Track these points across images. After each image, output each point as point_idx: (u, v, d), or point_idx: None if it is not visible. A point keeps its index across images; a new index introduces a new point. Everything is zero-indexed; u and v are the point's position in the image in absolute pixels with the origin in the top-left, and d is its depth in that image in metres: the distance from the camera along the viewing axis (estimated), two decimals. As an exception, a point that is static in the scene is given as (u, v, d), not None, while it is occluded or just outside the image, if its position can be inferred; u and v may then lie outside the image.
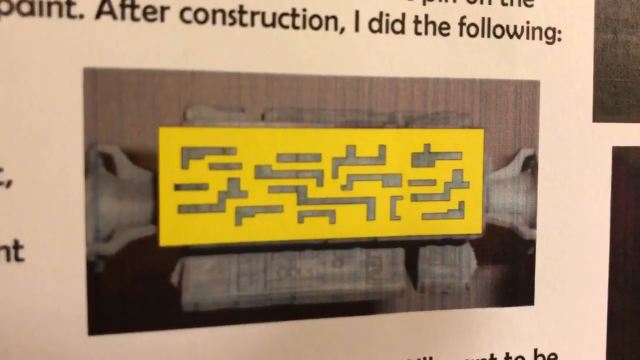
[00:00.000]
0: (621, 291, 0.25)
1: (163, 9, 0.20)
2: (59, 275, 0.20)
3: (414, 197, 0.23)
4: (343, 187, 0.22)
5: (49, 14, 0.19)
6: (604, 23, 0.24)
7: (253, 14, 0.21)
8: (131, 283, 0.21)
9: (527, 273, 0.24)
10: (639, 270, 0.25)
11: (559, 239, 0.24)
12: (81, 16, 0.19)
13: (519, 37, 0.23)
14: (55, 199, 0.20)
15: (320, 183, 0.22)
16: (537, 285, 0.24)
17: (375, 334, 0.23)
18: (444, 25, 0.23)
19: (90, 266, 0.20)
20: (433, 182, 0.23)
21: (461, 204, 0.23)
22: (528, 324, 0.24)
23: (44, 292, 0.20)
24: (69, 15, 0.19)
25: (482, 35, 0.23)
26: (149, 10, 0.20)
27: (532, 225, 0.24)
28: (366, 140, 0.22)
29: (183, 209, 0.21)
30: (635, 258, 0.25)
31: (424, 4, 0.22)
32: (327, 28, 0.21)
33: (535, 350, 0.24)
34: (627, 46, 0.25)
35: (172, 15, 0.20)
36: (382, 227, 0.23)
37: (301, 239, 0.22)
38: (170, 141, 0.20)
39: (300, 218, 0.22)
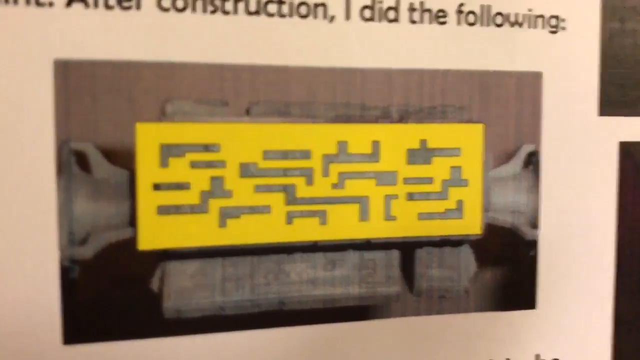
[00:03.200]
0: (628, 294, 0.24)
1: (139, -4, 0.19)
2: (32, 282, 0.19)
3: (410, 196, 0.21)
4: (334, 186, 0.21)
5: (16, 2, 0.18)
6: (610, 11, 0.23)
7: (236, 1, 0.19)
8: (108, 289, 0.19)
9: (528, 275, 0.23)
10: (647, 272, 0.24)
11: (562, 239, 0.23)
12: (50, 4, 0.18)
13: (520, 25, 0.22)
14: (26, 201, 0.19)
15: (310, 182, 0.21)
16: (540, 288, 0.23)
17: (370, 340, 0.22)
18: (441, 14, 0.21)
19: (65, 272, 0.19)
20: (430, 180, 0.22)
21: (459, 203, 0.22)
22: (530, 328, 0.23)
23: (15, 300, 0.19)
24: (37, 3, 0.18)
25: (481, 24, 0.22)
26: (124, -3, 0.19)
27: (534, 225, 0.23)
28: (359, 136, 0.21)
29: (163, 210, 0.19)
30: (643, 259, 0.24)
31: (420, -10, 0.21)
32: (315, 16, 0.20)
33: (538, 355, 0.23)
34: (635, 35, 0.23)
35: (148, 3, 0.19)
36: (376, 228, 0.21)
37: (290, 241, 0.21)
38: (149, 138, 0.19)
39: (289, 219, 0.21)
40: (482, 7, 0.22)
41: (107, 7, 0.19)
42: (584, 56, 0.23)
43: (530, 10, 0.22)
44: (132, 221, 0.19)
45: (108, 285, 0.19)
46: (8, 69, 0.18)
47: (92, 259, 0.19)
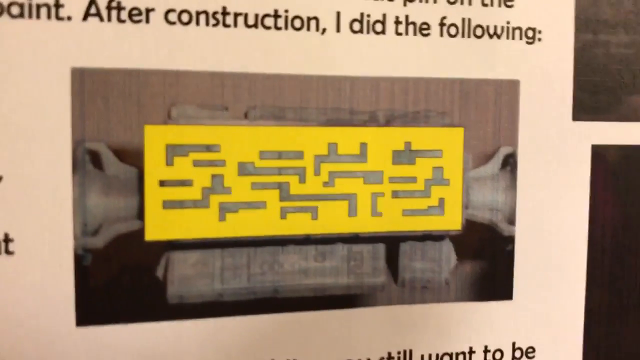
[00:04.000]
0: (599, 287, 0.25)
1: (148, 10, 0.21)
2: (48, 268, 0.21)
3: (395, 194, 0.23)
4: (325, 184, 0.23)
5: (38, 16, 0.20)
6: (584, 23, 0.25)
7: (236, 15, 0.21)
8: (118, 276, 0.21)
9: (505, 268, 0.24)
10: (617, 267, 0.25)
11: (537, 235, 0.25)
12: (69, 18, 0.20)
13: (499, 37, 0.24)
14: (44, 195, 0.20)
15: (302, 180, 0.22)
16: (516, 280, 0.25)
17: (357, 327, 0.23)
18: (425, 26, 0.23)
19: (78, 259, 0.21)
20: (413, 179, 0.23)
21: (441, 200, 0.24)
22: (506, 318, 0.25)
23: (33, 284, 0.21)
24: (57, 17, 0.20)
25: (463, 36, 0.24)
26: (134, 12, 0.21)
27: (511, 222, 0.24)
28: (348, 138, 0.23)
29: (168, 204, 0.21)
30: (613, 254, 0.25)
31: (405, 4, 0.23)
32: (308, 29, 0.22)
33: (514, 343, 0.25)
34: (607, 46, 0.25)
35: (157, 17, 0.21)
36: (364, 223, 0.23)
37: (284, 234, 0.22)
38: (155, 138, 0.21)
39: (283, 214, 0.22)
40: (463, 19, 0.24)
41: (120, 20, 0.20)
42: (559, 65, 0.25)
43: (508, 22, 0.24)
44: (140, 214, 0.21)
45: (117, 273, 0.21)
46: (31, 76, 0.20)
47: (103, 248, 0.21)
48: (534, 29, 0.24)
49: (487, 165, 0.24)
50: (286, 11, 0.22)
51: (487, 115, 0.24)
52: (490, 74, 0.24)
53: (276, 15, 0.22)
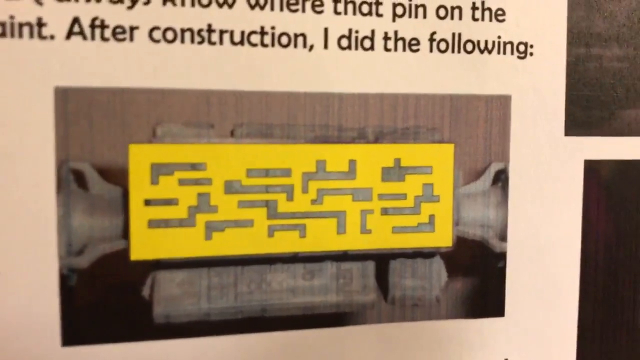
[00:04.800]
0: (592, 303, 0.25)
1: (132, 28, 0.20)
2: (33, 288, 0.20)
3: (385, 211, 0.23)
4: (313, 202, 0.22)
5: (21, 35, 0.20)
6: (576, 37, 0.24)
7: (221, 32, 0.21)
8: (103, 296, 0.21)
9: (497, 285, 0.24)
10: (610, 282, 0.25)
11: (529, 251, 0.24)
12: (52, 37, 0.20)
13: (489, 52, 0.24)
14: (28, 214, 0.20)
15: (290, 197, 0.22)
16: (508, 297, 0.24)
17: (346, 345, 0.23)
18: (414, 41, 0.23)
19: (63, 279, 0.21)
20: (403, 196, 0.23)
21: (431, 217, 0.23)
22: (498, 335, 0.24)
23: (18, 305, 0.20)
24: (40, 36, 0.20)
25: (453, 51, 0.23)
26: (118, 30, 0.20)
27: (503, 238, 0.24)
28: (336, 155, 0.23)
29: (153, 223, 0.21)
30: (606, 270, 0.25)
31: (394, 20, 0.23)
32: (295, 46, 0.22)
33: (506, 361, 0.25)
34: (600, 60, 0.25)
35: (141, 35, 0.21)
36: (353, 241, 0.23)
37: (271, 253, 0.22)
38: (140, 157, 0.21)
39: (271, 232, 0.22)
40: (453, 34, 0.23)
41: (103, 39, 0.20)
42: (551, 79, 0.24)
43: (499, 37, 0.24)
44: (125, 234, 0.21)
45: (103, 292, 0.21)
46: (13, 95, 0.20)
47: (89, 268, 0.21)
48: (525, 44, 0.24)
49: (478, 182, 0.24)
50: (273, 28, 0.21)
51: (477, 131, 0.24)
52: (481, 89, 0.24)
53: (262, 32, 0.21)
